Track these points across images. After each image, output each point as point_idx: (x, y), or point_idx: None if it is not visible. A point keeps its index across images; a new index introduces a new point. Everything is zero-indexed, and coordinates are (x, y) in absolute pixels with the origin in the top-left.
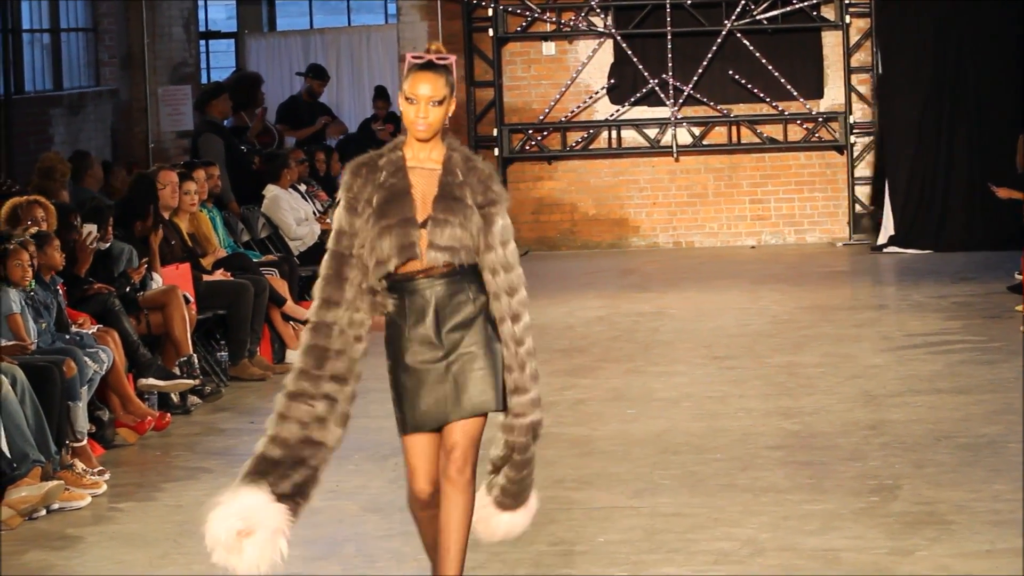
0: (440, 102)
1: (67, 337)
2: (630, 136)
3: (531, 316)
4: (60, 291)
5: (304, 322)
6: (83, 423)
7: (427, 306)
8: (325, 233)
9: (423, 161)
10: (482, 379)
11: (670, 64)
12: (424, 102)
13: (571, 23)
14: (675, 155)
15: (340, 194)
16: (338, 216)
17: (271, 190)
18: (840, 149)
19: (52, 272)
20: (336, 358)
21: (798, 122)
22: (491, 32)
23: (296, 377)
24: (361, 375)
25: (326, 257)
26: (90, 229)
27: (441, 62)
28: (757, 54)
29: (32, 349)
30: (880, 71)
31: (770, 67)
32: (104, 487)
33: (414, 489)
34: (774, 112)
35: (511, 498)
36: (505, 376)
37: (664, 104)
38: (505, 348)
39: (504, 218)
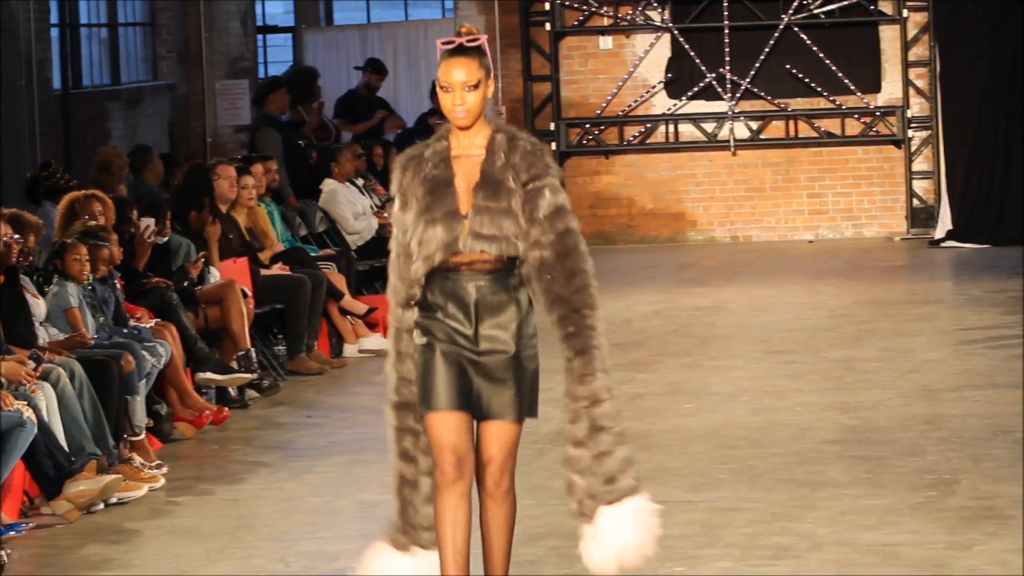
0: (476, 86)
1: (125, 331)
2: (687, 130)
3: (596, 294)
4: (118, 285)
5: (362, 316)
6: (141, 417)
7: (467, 300)
8: (382, 227)
9: (467, 148)
10: (507, 388)
11: (727, 58)
12: (459, 88)
13: (628, 17)
14: (732, 149)
15: (393, 190)
16: (395, 215)
17: (328, 184)
18: (898, 143)
19: (110, 267)
20: (407, 360)
21: (855, 116)
22: (548, 26)
23: (393, 390)
24: None
25: (391, 258)
26: (148, 223)
27: (472, 44)
28: (814, 48)
29: (91, 343)
30: (938, 65)
31: (827, 61)
32: (162, 481)
33: (440, 463)
34: (831, 106)
35: (597, 492)
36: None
37: (721, 98)
38: (564, 345)
39: (555, 193)
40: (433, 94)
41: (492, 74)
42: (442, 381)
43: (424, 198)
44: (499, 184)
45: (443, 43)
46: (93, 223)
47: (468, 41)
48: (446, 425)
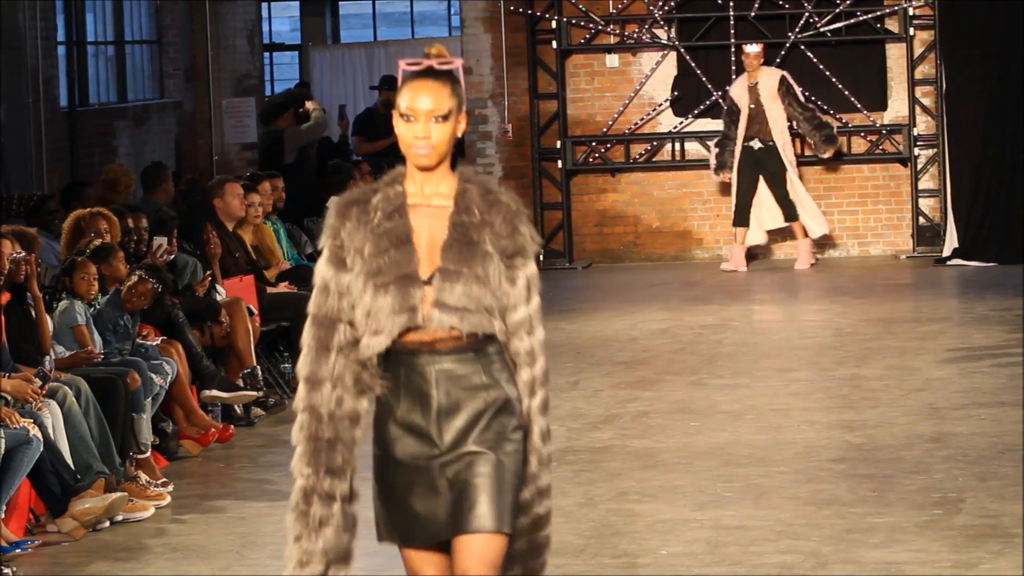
0: (445, 117)
1: (115, 348)
2: (694, 148)
3: (549, 392)
4: None
5: None
6: (147, 435)
7: (427, 388)
8: None
9: (429, 197)
10: (485, 491)
11: (734, 76)
12: (425, 118)
13: (635, 35)
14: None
15: (323, 241)
16: (320, 270)
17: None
18: (904, 161)
19: (116, 283)
20: (330, 449)
21: (862, 134)
22: (555, 44)
23: (296, 476)
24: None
25: (307, 324)
26: (160, 242)
27: (444, 67)
28: (821, 66)
29: (98, 359)
30: (944, 84)
31: (834, 79)
32: (168, 499)
33: None
34: (838, 124)
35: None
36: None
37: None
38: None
39: (531, 268)
40: None
41: (465, 108)
42: (402, 509)
43: (374, 256)
44: (473, 245)
45: (408, 64)
46: (100, 241)
47: (440, 64)
48: (426, 564)
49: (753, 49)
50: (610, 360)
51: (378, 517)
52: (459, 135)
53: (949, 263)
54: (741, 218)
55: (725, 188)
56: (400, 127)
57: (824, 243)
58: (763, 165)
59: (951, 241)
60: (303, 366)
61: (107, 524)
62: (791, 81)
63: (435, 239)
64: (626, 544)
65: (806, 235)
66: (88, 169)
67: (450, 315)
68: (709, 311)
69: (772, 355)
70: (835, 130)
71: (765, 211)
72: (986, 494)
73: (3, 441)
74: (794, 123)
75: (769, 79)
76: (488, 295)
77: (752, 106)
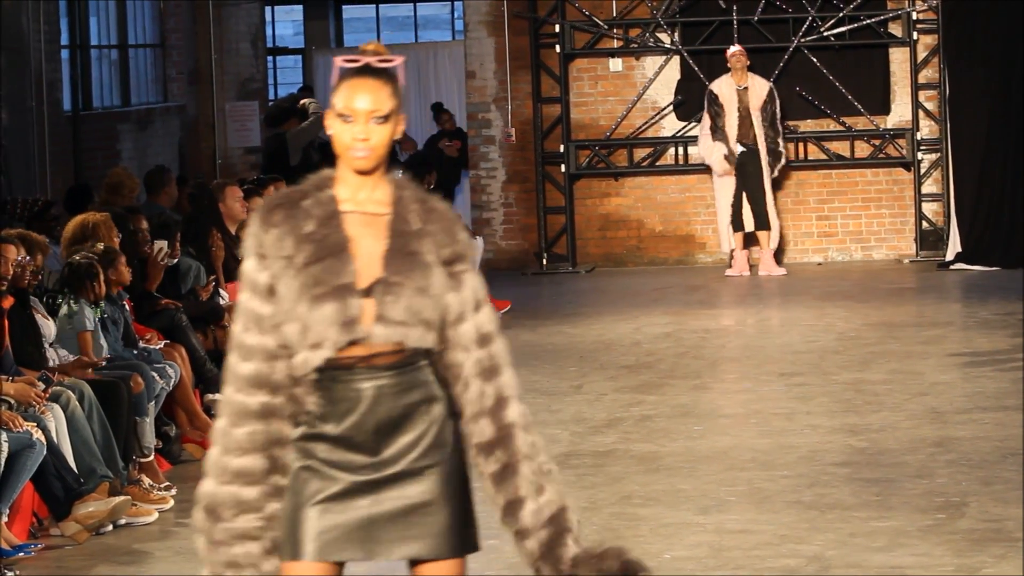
0: (385, 118)
1: (135, 352)
2: (697, 152)
3: (524, 408)
4: (127, 307)
5: None
6: (150, 438)
7: (365, 405)
8: None
9: (363, 203)
10: (436, 516)
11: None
12: (364, 119)
13: (638, 39)
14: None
15: (246, 247)
16: (245, 280)
17: None
18: (907, 166)
19: (119, 287)
20: (255, 483)
21: (865, 139)
22: (558, 48)
23: (204, 516)
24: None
25: (232, 341)
26: (161, 245)
27: (384, 65)
28: (824, 71)
29: (101, 364)
30: (947, 88)
31: (837, 83)
32: (171, 502)
33: None
34: (841, 128)
35: None
36: (510, 502)
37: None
38: (484, 459)
39: (475, 276)
40: (438, 116)
41: (403, 109)
42: (315, 522)
43: (308, 266)
44: (414, 256)
45: (345, 60)
46: (102, 245)
47: (379, 61)
48: None
49: (736, 48)
50: (613, 364)
51: (285, 531)
52: (397, 137)
53: (952, 267)
54: (739, 222)
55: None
56: (336, 127)
57: (827, 247)
58: (744, 169)
59: (954, 245)
60: (227, 386)
61: (110, 528)
62: (777, 97)
63: (373, 249)
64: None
65: (768, 245)
66: (91, 173)
67: (393, 329)
68: (712, 315)
69: (775, 359)
70: (780, 164)
71: (745, 214)
72: (989, 498)
73: (6, 445)
74: (761, 136)
75: (759, 88)
76: (429, 307)
77: (740, 110)
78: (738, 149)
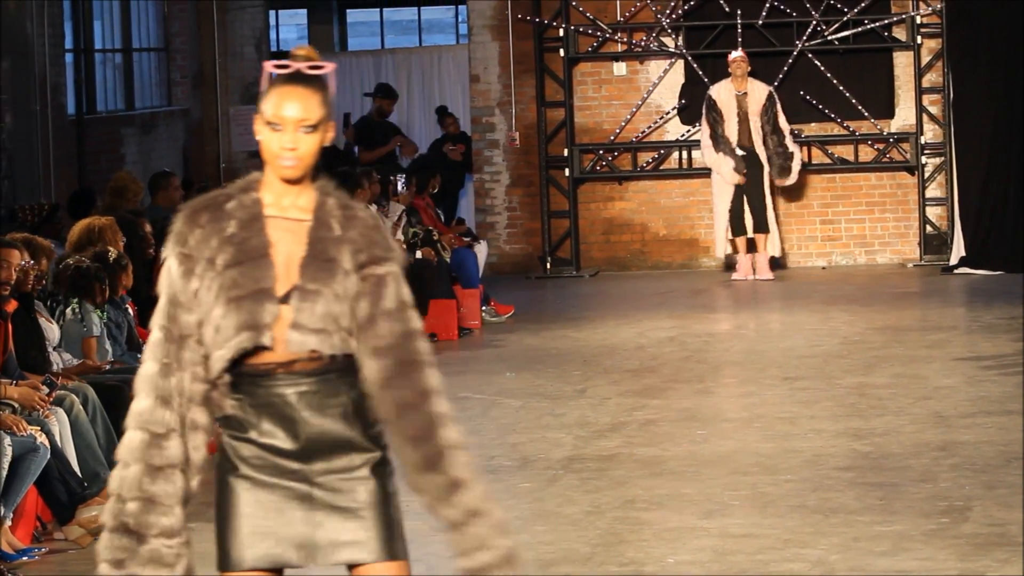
0: (314, 127)
1: (138, 356)
2: (700, 157)
3: (447, 406)
4: (131, 310)
5: None
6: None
7: (289, 412)
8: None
9: (286, 209)
10: (366, 521)
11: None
12: (293, 127)
13: (642, 43)
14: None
15: (168, 248)
16: (167, 280)
17: None
18: (911, 170)
19: (123, 291)
20: (165, 479)
21: (869, 142)
22: (562, 52)
23: (113, 501)
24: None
25: (150, 340)
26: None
27: (314, 72)
28: (828, 74)
29: (106, 368)
30: (951, 92)
31: (841, 87)
32: None
33: None
34: (845, 132)
35: None
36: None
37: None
38: (411, 450)
39: (400, 282)
40: (442, 120)
41: (332, 117)
42: (248, 528)
43: (228, 268)
44: (332, 263)
45: (275, 67)
46: (110, 249)
47: (310, 68)
48: None
49: (737, 53)
50: (617, 368)
51: (219, 543)
52: (326, 143)
53: (956, 271)
54: (741, 227)
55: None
56: (264, 135)
57: (831, 251)
58: (743, 174)
59: (958, 249)
60: (143, 382)
61: None
62: (777, 99)
63: (292, 255)
64: (633, 552)
65: (765, 248)
66: (95, 177)
67: (309, 336)
68: (716, 319)
69: (779, 363)
70: (794, 163)
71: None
72: (993, 502)
73: (10, 449)
74: (762, 139)
75: (759, 92)
76: (347, 314)
77: (739, 114)
78: (739, 154)
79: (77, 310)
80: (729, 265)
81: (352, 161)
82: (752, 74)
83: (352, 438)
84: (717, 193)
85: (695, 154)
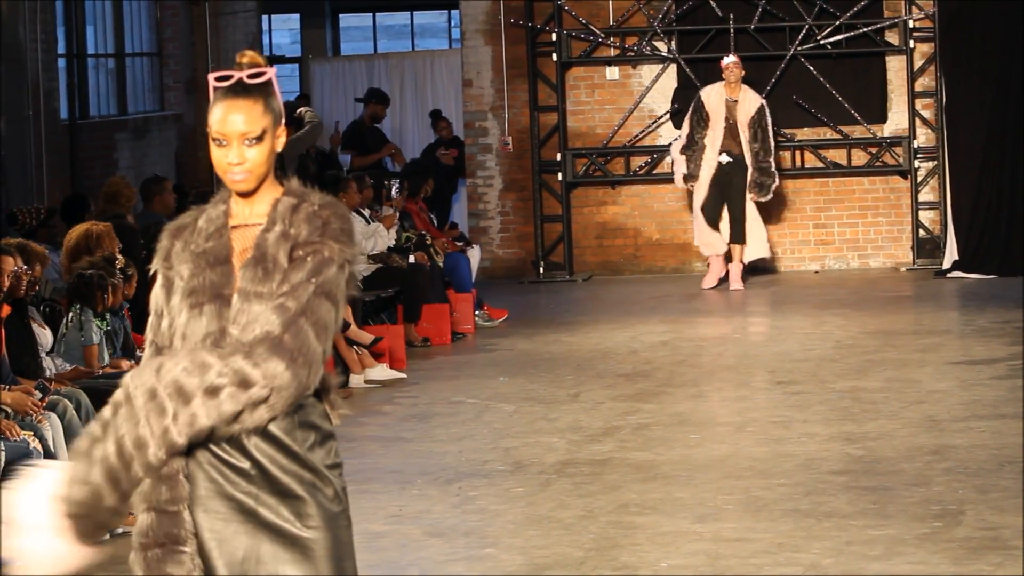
0: (259, 138)
1: (132, 362)
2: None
3: (261, 398)
4: (126, 316)
5: (368, 346)
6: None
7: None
8: (404, 237)
9: (248, 217)
10: (310, 548)
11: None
12: (237, 141)
13: (635, 48)
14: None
15: (155, 264)
16: (154, 295)
17: None
18: (904, 174)
19: (123, 299)
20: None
21: (862, 147)
22: (555, 57)
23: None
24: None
25: (145, 354)
26: None
27: (255, 81)
28: (821, 79)
29: (98, 373)
30: (944, 96)
31: (834, 92)
32: None
33: None
34: (838, 137)
35: None
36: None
37: None
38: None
39: (319, 264)
40: (436, 125)
41: (283, 120)
42: (220, 540)
43: (192, 277)
44: (272, 261)
45: (216, 79)
46: (119, 257)
47: (250, 76)
48: None
49: (731, 59)
50: (610, 372)
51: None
52: (278, 150)
53: (949, 275)
54: (737, 234)
55: None
56: (213, 150)
57: (824, 255)
58: (727, 179)
59: (951, 253)
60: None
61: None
62: (767, 112)
63: (244, 259)
64: (626, 556)
65: (741, 260)
66: (89, 182)
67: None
68: (709, 323)
69: (772, 367)
70: (774, 184)
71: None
72: (986, 506)
73: (3, 453)
74: (750, 148)
75: (751, 103)
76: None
77: (728, 121)
78: (724, 159)
79: (78, 317)
80: (752, 269)
81: (336, 164)
82: (745, 79)
83: (297, 453)
84: (697, 199)
85: None
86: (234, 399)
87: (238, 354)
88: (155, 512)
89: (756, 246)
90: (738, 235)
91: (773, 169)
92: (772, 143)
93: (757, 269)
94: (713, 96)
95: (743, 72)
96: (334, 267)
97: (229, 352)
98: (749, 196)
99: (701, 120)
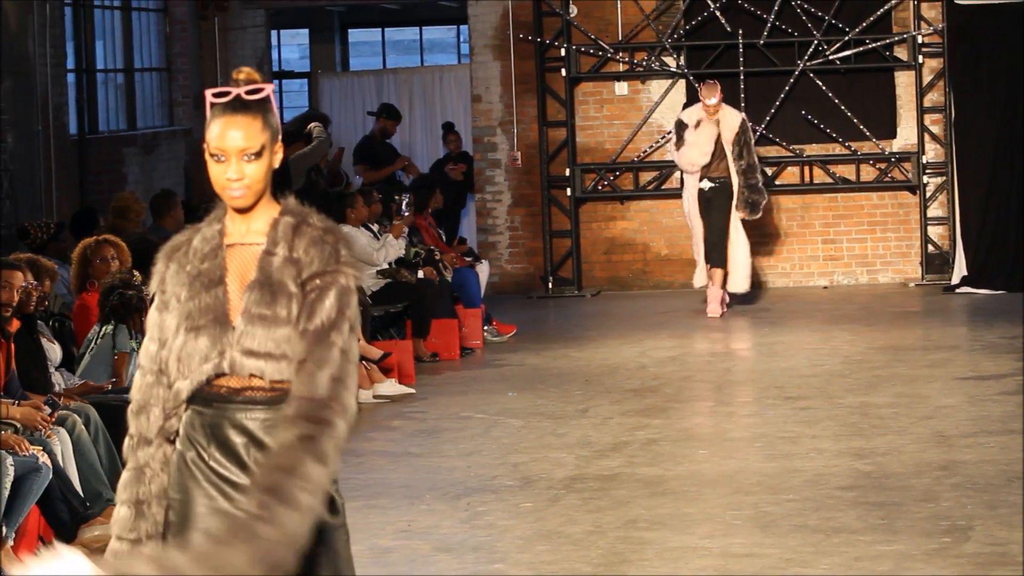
0: (258, 154)
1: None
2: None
3: (343, 431)
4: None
5: (376, 362)
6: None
7: (238, 437)
8: (415, 249)
9: (245, 235)
10: (312, 567)
11: (743, 104)
12: (236, 157)
13: (644, 63)
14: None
15: (151, 288)
16: (150, 318)
17: (343, 228)
18: (913, 189)
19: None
20: (149, 511)
21: (871, 162)
22: (564, 72)
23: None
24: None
25: (136, 376)
26: None
27: (253, 97)
28: (830, 94)
29: (108, 388)
30: (953, 111)
31: (843, 107)
32: None
33: None
34: (847, 152)
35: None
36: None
37: None
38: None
39: (341, 294)
40: (446, 138)
41: (280, 137)
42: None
43: (188, 300)
44: (278, 285)
45: (214, 95)
46: (123, 270)
47: (248, 92)
48: None
49: (709, 82)
50: (619, 388)
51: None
52: (276, 166)
53: (958, 291)
54: (718, 257)
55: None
56: (211, 166)
57: (833, 270)
58: (711, 203)
59: (960, 269)
60: (131, 421)
61: None
62: (749, 128)
63: (246, 280)
64: (635, 572)
65: (723, 284)
66: (97, 197)
67: (255, 361)
68: (718, 339)
69: (781, 383)
70: (763, 201)
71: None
72: (995, 522)
73: (13, 468)
74: (736, 169)
75: (731, 120)
76: (294, 338)
77: (713, 143)
78: (706, 185)
79: (111, 336)
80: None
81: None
82: (753, 93)
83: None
84: (695, 226)
85: None
86: (326, 459)
87: (301, 437)
88: (134, 506)
89: (738, 280)
90: (720, 259)
91: (761, 185)
92: (756, 158)
93: (759, 285)
94: (692, 118)
95: (721, 94)
96: (353, 295)
97: (295, 448)
98: (738, 215)
99: (681, 144)
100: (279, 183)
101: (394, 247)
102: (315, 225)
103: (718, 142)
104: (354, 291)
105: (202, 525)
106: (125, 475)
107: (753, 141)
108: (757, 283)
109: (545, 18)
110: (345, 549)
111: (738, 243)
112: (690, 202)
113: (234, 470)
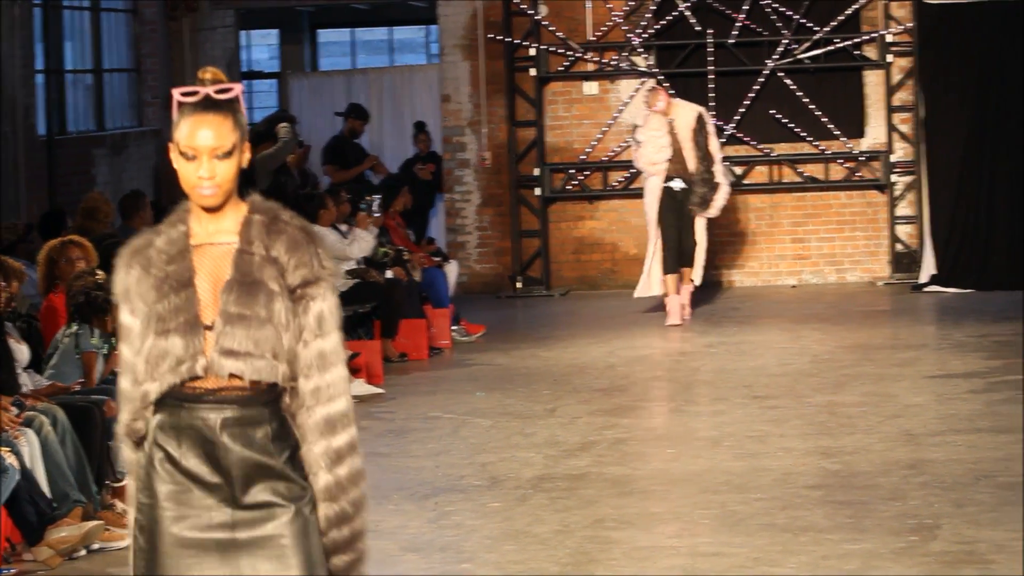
0: (229, 153)
1: (109, 376)
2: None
3: (355, 435)
4: (114, 338)
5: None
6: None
7: (213, 437)
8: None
9: (213, 235)
10: (290, 561)
11: (712, 103)
12: (207, 156)
13: (613, 63)
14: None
15: (116, 294)
16: (119, 322)
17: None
18: (881, 188)
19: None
20: None
21: (839, 161)
22: (533, 72)
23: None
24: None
25: (119, 381)
26: None
27: (223, 96)
28: (799, 93)
29: (76, 388)
30: (922, 110)
31: (812, 106)
32: None
33: None
34: (815, 151)
35: None
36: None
37: None
38: (313, 480)
39: (328, 299)
40: (417, 138)
41: (247, 137)
42: (192, 557)
43: (156, 303)
44: (257, 284)
45: (183, 94)
46: (86, 269)
47: (218, 92)
48: None
49: (650, 83)
50: (587, 387)
51: (142, 568)
52: (244, 166)
53: (926, 290)
54: (674, 263)
55: None
56: (180, 165)
57: (801, 269)
58: (679, 206)
59: (928, 268)
60: (123, 426)
61: (83, 553)
62: (707, 119)
63: (219, 280)
64: (603, 571)
65: (679, 290)
66: (66, 198)
67: (234, 361)
68: (686, 338)
69: (749, 382)
70: (719, 195)
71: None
72: (962, 520)
73: None
74: (690, 160)
75: (687, 114)
76: (274, 338)
77: (672, 143)
78: (676, 185)
79: (75, 335)
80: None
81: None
82: (722, 93)
83: (273, 466)
84: (652, 231)
85: None
86: (352, 458)
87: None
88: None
89: (696, 272)
90: (675, 264)
91: (717, 179)
92: (716, 151)
93: (728, 284)
94: (642, 114)
95: (668, 95)
96: (334, 295)
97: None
98: (696, 215)
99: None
100: (243, 183)
101: (364, 239)
102: (289, 223)
103: (674, 136)
104: (333, 290)
105: (170, 534)
106: (129, 481)
107: (714, 132)
108: (726, 282)
109: (514, 18)
110: (319, 540)
111: (700, 243)
112: (651, 207)
113: (206, 470)
